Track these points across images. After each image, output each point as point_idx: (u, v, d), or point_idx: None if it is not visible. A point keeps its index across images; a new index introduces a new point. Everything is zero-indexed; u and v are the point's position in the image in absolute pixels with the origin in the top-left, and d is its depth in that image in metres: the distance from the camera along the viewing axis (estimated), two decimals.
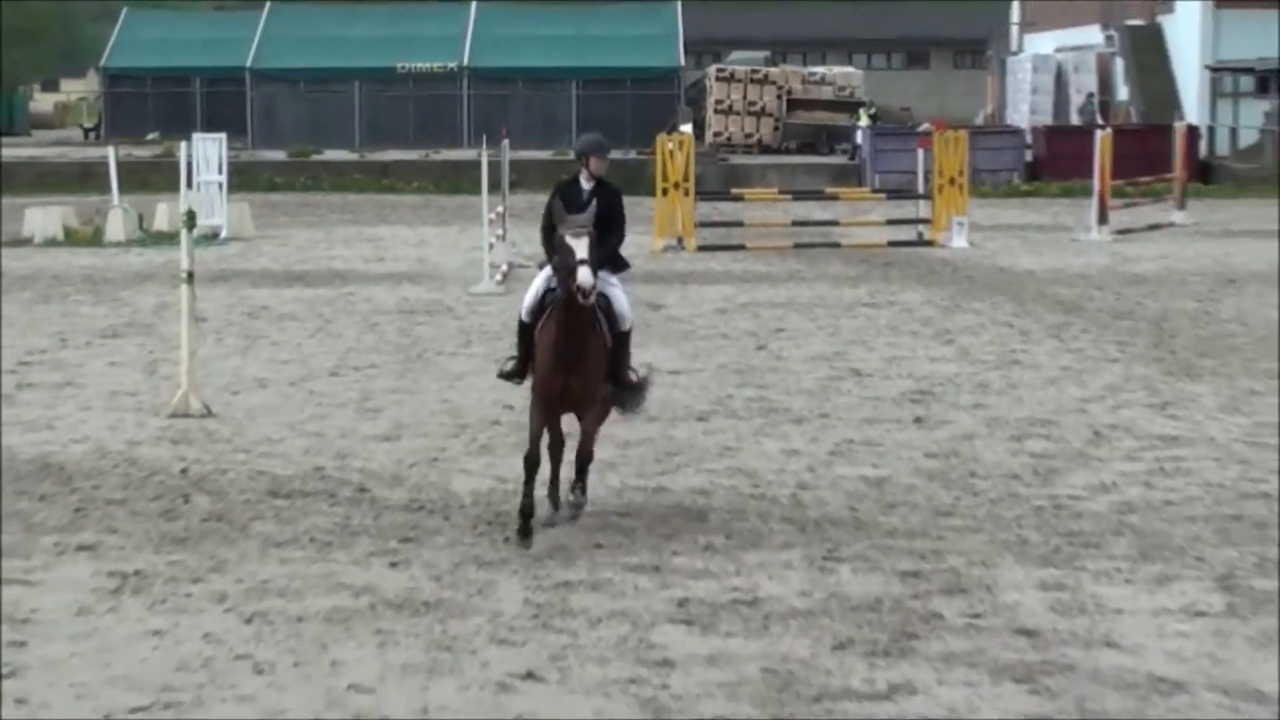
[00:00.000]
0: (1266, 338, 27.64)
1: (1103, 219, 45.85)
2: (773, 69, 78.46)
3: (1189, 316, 30.29)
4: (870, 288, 34.59)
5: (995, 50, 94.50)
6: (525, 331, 15.45)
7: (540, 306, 15.26)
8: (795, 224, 44.09)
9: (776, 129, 74.92)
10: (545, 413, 15.20)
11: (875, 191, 52.33)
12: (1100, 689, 11.58)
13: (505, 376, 16.09)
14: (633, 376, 15.76)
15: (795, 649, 12.37)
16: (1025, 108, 78.90)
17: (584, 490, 15.80)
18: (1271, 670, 12.06)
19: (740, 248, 41.78)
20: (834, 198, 48.43)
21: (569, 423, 15.97)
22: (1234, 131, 71.96)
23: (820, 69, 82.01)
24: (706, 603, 13.52)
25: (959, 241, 42.66)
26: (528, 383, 15.81)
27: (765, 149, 73.65)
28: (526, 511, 15.01)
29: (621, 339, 15.41)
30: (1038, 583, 14.07)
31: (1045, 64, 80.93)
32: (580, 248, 14.33)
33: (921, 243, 42.94)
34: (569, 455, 16.05)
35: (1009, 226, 48.38)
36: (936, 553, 15.01)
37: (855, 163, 66.25)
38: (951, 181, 44.25)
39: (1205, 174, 62.11)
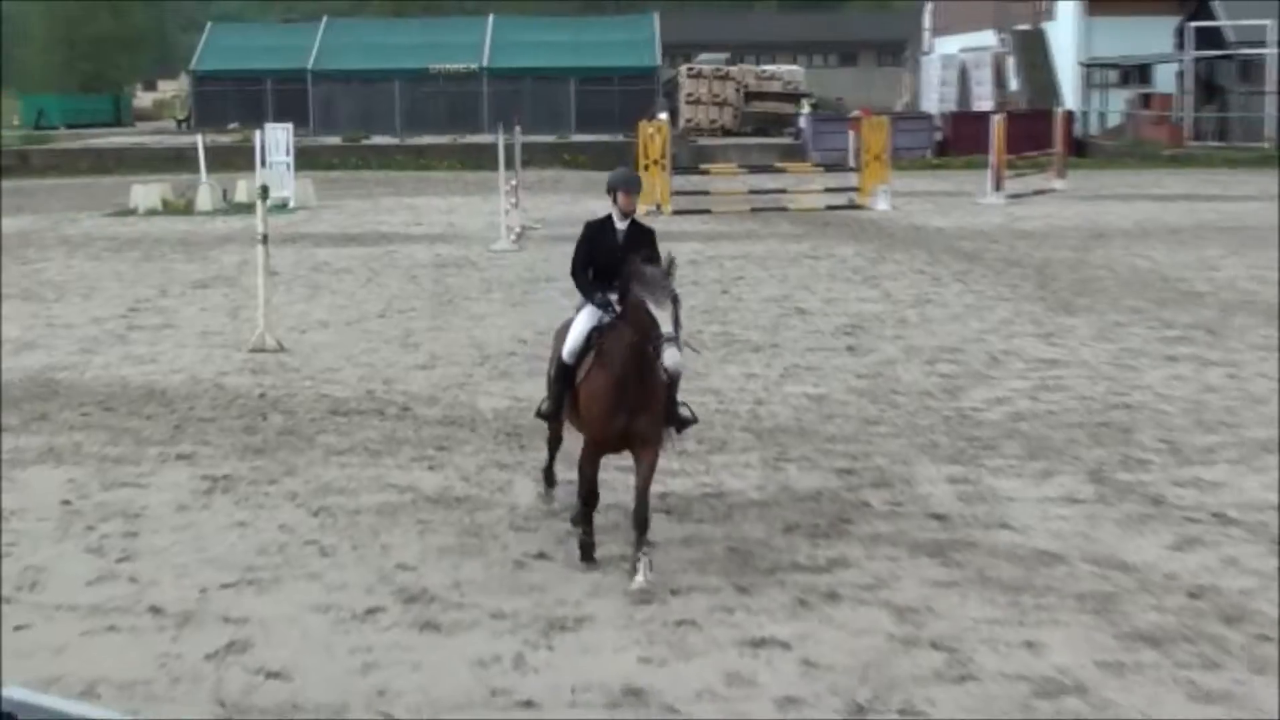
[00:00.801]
0: (1129, 281, 27.67)
1: (998, 186, 45.83)
2: (732, 68, 78.16)
3: (1067, 264, 30.30)
4: (811, 243, 34.57)
5: (911, 51, 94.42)
6: (567, 373, 11.91)
7: (584, 347, 11.74)
8: (751, 192, 44.05)
9: (736, 116, 74.58)
10: (599, 458, 11.73)
11: (815, 165, 52.20)
12: (997, 561, 11.65)
13: (542, 416, 12.73)
14: (685, 413, 11.95)
15: (753, 532, 12.44)
16: (935, 97, 78.82)
17: (649, 564, 11.26)
18: (1133, 544, 12.13)
19: (707, 212, 41.73)
20: (782, 171, 48.32)
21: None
22: (1102, 115, 71.94)
23: (771, 67, 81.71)
24: (682, 496, 13.58)
25: (883, 205, 42.61)
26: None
27: (727, 132, 73.32)
28: (588, 548, 11.77)
29: (674, 378, 11.40)
30: (946, 477, 14.13)
31: (951, 62, 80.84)
32: (665, 320, 10.77)
33: (852, 207, 42.88)
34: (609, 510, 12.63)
35: (923, 193, 48.34)
36: (865, 454, 15.07)
37: (799, 143, 66.04)
38: (876, 157, 44.18)
39: (1080, 150, 61.90)
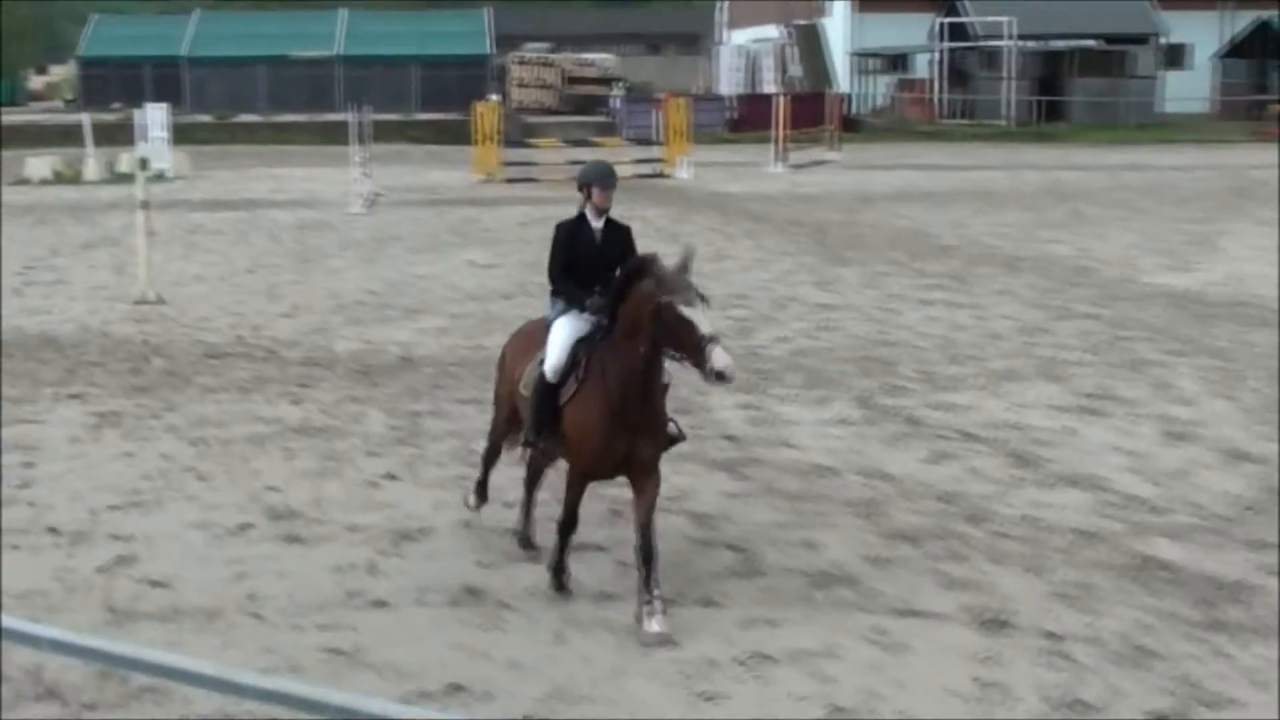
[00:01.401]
0: (892, 238, 28.05)
1: (782, 157, 46.22)
2: (555, 55, 77.84)
3: (840, 223, 30.64)
4: (624, 209, 34.04)
5: (707, 42, 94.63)
6: (551, 394, 9.10)
7: (570, 365, 9.06)
8: (571, 163, 43.74)
9: (558, 98, 74.40)
10: (585, 488, 9.23)
11: (627, 140, 52.26)
12: (781, 474, 11.80)
13: (528, 445, 9.71)
14: (673, 429, 9.22)
15: None
16: (728, 82, 79.11)
17: (661, 603, 8.68)
18: (894, 458, 12.34)
19: (534, 180, 41.62)
20: (599, 145, 48.15)
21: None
22: (870, 97, 72.78)
23: (588, 55, 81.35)
24: None
25: (684, 174, 42.79)
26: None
27: (550, 112, 72.98)
28: (559, 570, 9.32)
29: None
30: (738, 404, 14.25)
31: (741, 51, 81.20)
32: (703, 321, 8.38)
33: (659, 175, 42.99)
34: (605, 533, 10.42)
35: (718, 163, 48.53)
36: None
37: (612, 121, 66.05)
38: (679, 133, 44.36)
39: (850, 126, 62.49)
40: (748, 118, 63.96)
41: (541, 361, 9.21)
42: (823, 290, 21.54)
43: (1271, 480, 11.69)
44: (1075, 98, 65.56)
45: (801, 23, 76.20)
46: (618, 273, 8.99)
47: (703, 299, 8.48)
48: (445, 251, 26.24)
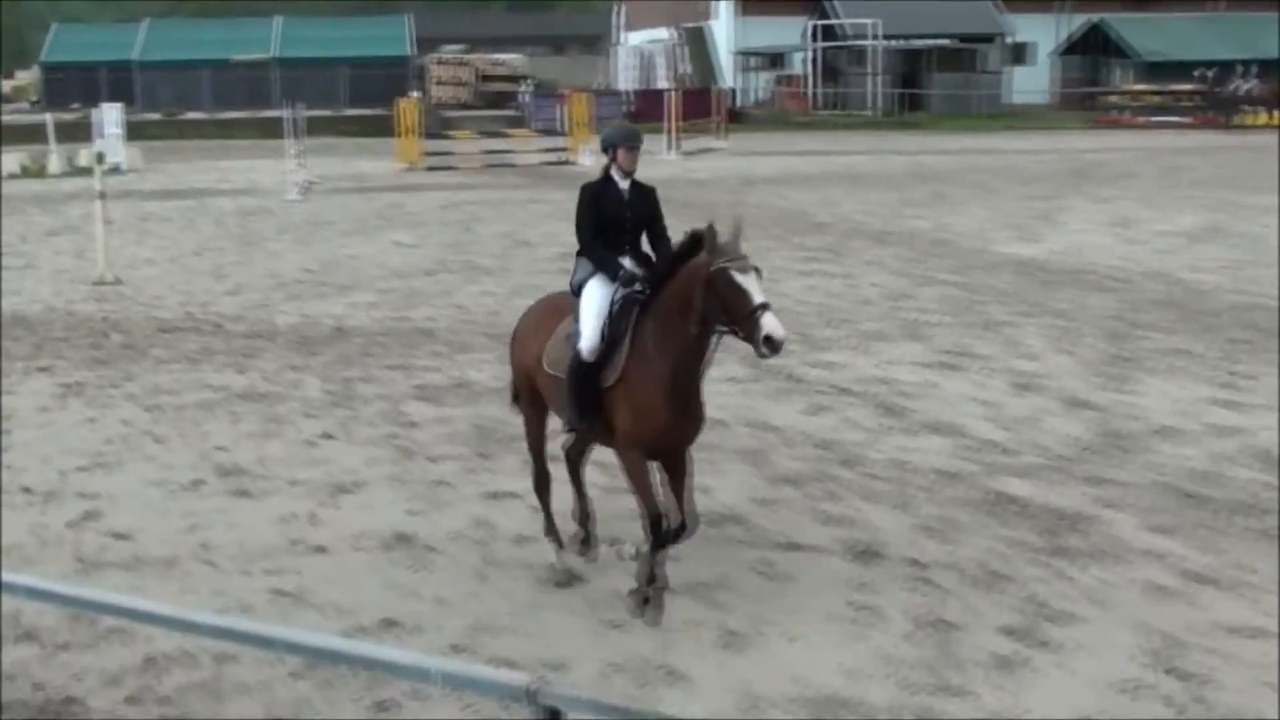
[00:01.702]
0: (774, 216, 28.15)
1: (674, 146, 46.20)
2: (469, 56, 77.18)
3: (727, 204, 30.65)
4: (532, 192, 34.48)
5: (606, 42, 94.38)
6: (592, 375, 7.83)
7: (610, 342, 7.83)
8: (485, 152, 43.73)
9: (473, 94, 73.87)
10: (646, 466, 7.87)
11: (535, 131, 52.04)
12: None
13: (573, 431, 8.46)
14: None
15: (491, 412, 12.42)
16: (625, 78, 78.93)
17: (636, 551, 8.34)
18: (777, 411, 12.41)
19: (452, 168, 41.37)
20: (510, 136, 48.07)
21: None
22: (752, 91, 72.90)
23: (499, 56, 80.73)
24: (436, 386, 13.52)
25: (587, 161, 42.47)
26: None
27: (466, 106, 72.44)
28: (651, 584, 7.91)
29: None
30: None
31: (637, 51, 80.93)
32: (756, 289, 7.30)
33: (564, 163, 42.87)
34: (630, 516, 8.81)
35: None
36: None
37: (522, 114, 65.66)
38: (582, 124, 44.21)
39: (735, 118, 62.42)
40: (643, 110, 63.60)
41: (569, 338, 8.06)
42: None
43: (1106, 424, 11.90)
44: (933, 91, 66.05)
45: (690, 25, 76.17)
46: (669, 246, 8.07)
47: (756, 269, 7.49)
48: (373, 233, 26.04)
